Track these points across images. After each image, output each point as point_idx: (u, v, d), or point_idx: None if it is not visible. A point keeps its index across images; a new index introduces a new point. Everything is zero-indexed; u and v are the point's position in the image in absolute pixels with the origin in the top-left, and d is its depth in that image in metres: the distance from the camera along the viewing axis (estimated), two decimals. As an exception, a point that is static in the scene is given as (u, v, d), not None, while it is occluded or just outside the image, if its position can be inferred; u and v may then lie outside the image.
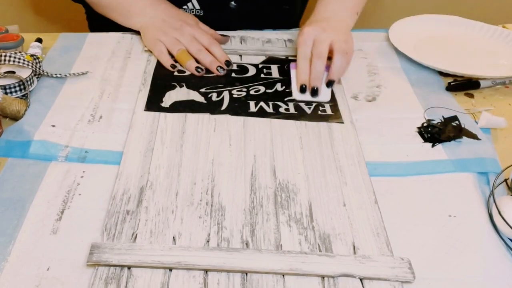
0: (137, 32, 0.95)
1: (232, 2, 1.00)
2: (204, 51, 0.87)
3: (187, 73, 0.86)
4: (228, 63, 0.87)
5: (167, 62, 0.87)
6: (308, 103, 0.80)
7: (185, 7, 1.00)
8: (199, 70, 0.85)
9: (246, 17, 1.00)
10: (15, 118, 0.75)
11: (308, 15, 0.90)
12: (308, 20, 0.88)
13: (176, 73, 0.86)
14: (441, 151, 0.72)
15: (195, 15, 0.99)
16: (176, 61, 0.88)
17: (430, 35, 1.01)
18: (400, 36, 0.97)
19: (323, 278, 0.54)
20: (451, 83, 0.86)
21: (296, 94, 0.82)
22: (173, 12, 0.92)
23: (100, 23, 0.98)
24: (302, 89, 0.81)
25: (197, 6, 1.00)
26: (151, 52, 0.90)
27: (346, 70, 0.85)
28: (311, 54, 0.81)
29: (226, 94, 0.81)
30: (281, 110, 0.78)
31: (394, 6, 1.55)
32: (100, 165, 0.68)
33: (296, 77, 0.83)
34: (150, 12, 0.92)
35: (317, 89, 0.80)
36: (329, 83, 0.82)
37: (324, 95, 0.81)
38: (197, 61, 0.87)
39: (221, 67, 0.85)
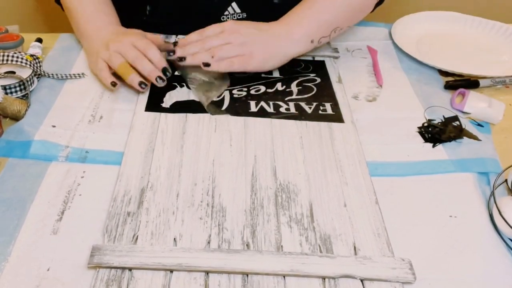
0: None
1: None
2: (141, 58, 0.78)
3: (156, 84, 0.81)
4: (165, 69, 0.78)
5: (106, 79, 0.79)
6: (308, 102, 0.80)
7: (226, 13, 0.95)
8: (143, 85, 0.77)
9: None
10: (16, 118, 0.74)
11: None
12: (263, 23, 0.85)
13: (176, 73, 0.86)
14: (442, 151, 0.72)
15: (237, 19, 0.96)
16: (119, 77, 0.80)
17: (432, 33, 1.01)
18: (402, 35, 0.97)
19: (324, 279, 0.54)
20: (449, 82, 0.86)
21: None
22: (119, 30, 0.86)
23: None
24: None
25: (238, 10, 0.96)
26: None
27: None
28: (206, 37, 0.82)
29: (226, 94, 0.81)
30: (282, 109, 0.78)
31: (395, 3, 1.55)
32: (100, 166, 0.68)
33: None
34: (100, 34, 0.84)
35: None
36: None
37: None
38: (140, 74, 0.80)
39: (160, 77, 0.78)
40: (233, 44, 0.81)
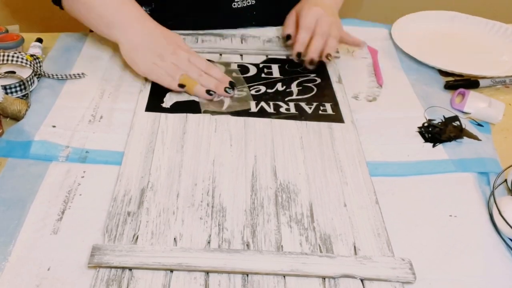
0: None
1: None
2: (205, 75, 0.82)
3: (220, 98, 0.82)
4: (232, 83, 0.81)
5: (172, 83, 0.80)
6: (308, 102, 0.80)
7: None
8: (211, 93, 0.79)
9: None
10: (16, 118, 0.74)
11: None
12: (301, 2, 0.92)
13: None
14: (442, 151, 0.72)
15: (246, 6, 0.99)
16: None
17: (432, 33, 1.01)
18: (403, 35, 0.98)
19: (324, 279, 0.54)
20: (450, 82, 0.86)
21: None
22: (161, 32, 0.85)
23: None
24: (298, 55, 0.88)
25: None
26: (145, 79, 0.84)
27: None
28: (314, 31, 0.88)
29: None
30: (282, 110, 0.78)
31: (395, 3, 1.55)
32: (100, 165, 0.68)
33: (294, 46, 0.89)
34: (137, 27, 0.83)
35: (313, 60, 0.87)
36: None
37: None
38: None
39: (228, 87, 0.80)
40: (329, 27, 0.88)
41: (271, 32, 1.00)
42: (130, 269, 0.54)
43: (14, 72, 0.79)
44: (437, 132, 0.74)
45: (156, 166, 0.67)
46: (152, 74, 0.81)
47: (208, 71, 0.82)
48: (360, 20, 1.03)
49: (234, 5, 0.98)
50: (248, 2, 0.98)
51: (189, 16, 0.97)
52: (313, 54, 0.86)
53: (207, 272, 0.54)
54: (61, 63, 0.88)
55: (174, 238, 0.58)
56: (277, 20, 0.97)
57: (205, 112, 0.77)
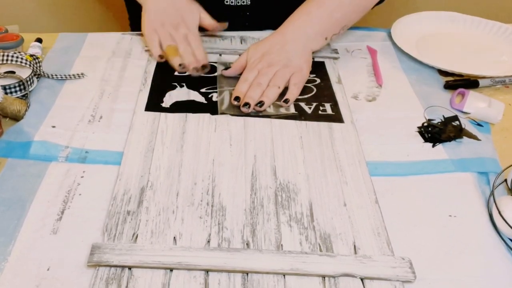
0: (137, 33, 0.96)
1: None
2: (189, 52, 0.87)
3: (188, 73, 0.86)
4: (203, 66, 0.86)
5: (156, 53, 0.89)
6: (308, 102, 0.80)
7: None
8: (182, 66, 0.85)
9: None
10: (16, 118, 0.74)
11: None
12: (271, 34, 0.88)
13: (176, 73, 0.86)
14: (442, 151, 0.72)
15: (241, 4, 0.99)
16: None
17: (432, 33, 1.01)
18: (402, 35, 0.98)
19: (324, 278, 0.54)
20: (449, 82, 0.87)
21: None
22: (177, 3, 0.92)
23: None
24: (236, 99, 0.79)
25: None
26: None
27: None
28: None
29: (226, 94, 0.81)
30: (282, 110, 0.78)
31: (394, 5, 1.55)
32: (100, 165, 0.68)
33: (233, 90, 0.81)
34: None
35: (249, 105, 0.77)
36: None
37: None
38: None
39: (196, 68, 0.85)
40: (280, 70, 0.82)
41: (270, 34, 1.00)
42: (129, 268, 0.54)
43: (13, 72, 0.79)
44: (437, 132, 0.74)
45: (155, 165, 0.67)
46: (147, 37, 0.90)
47: (194, 50, 0.88)
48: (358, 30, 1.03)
49: (227, 1, 0.98)
50: (243, 2, 0.98)
51: None
52: (248, 100, 0.78)
53: (207, 271, 0.54)
54: (60, 63, 0.88)
55: (174, 237, 0.58)
56: (271, 23, 0.95)
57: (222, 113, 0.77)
